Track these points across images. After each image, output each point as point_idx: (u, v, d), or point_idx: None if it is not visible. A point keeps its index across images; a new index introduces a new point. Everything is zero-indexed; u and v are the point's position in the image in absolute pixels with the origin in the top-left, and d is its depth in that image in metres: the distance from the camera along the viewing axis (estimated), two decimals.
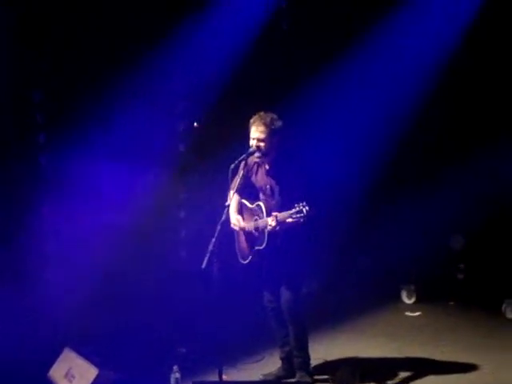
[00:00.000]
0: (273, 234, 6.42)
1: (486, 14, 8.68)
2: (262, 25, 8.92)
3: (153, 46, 8.66)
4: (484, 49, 8.97)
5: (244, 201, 6.83)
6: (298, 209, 6.12)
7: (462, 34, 8.87)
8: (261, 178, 6.71)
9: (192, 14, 8.82)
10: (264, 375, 6.93)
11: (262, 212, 6.56)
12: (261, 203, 6.62)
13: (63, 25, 8.50)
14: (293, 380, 6.81)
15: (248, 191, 6.79)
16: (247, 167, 6.70)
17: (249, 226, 6.70)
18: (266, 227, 6.44)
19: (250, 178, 6.75)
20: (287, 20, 9.09)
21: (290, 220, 6.20)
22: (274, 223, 6.32)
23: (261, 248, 6.55)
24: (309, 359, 6.81)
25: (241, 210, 6.83)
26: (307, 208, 6.08)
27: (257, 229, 6.60)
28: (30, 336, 7.59)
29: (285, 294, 6.61)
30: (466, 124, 9.21)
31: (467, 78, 9.09)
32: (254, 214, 6.68)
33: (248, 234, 6.72)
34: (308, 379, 6.72)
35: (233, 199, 6.67)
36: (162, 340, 7.78)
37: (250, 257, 6.69)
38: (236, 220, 6.76)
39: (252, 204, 6.74)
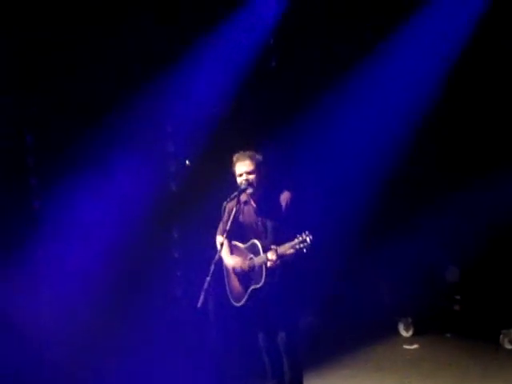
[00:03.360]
0: (270, 270, 6.35)
1: (484, 37, 8.70)
2: (250, 62, 8.97)
3: (142, 88, 8.70)
4: (479, 77, 8.98)
5: (235, 242, 6.72)
6: (301, 239, 6.08)
7: (457, 62, 8.90)
8: (248, 217, 6.65)
9: (181, 54, 8.87)
10: None
11: (258, 250, 6.47)
12: (256, 241, 6.53)
13: (54, 69, 8.53)
14: None
15: (238, 232, 6.68)
16: (229, 212, 6.58)
17: (244, 266, 6.61)
18: (264, 263, 6.35)
19: (237, 218, 6.64)
20: (275, 57, 9.16)
21: (291, 251, 6.14)
22: (274, 257, 6.25)
23: (258, 286, 6.45)
24: None
25: (231, 253, 6.73)
26: (311, 237, 6.04)
27: (253, 268, 6.52)
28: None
29: (281, 333, 6.56)
30: (461, 156, 9.22)
31: (462, 108, 9.11)
32: (248, 252, 6.59)
33: (241, 276, 6.63)
34: None
35: (224, 245, 6.56)
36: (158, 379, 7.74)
37: (245, 298, 6.58)
38: (234, 262, 6.65)
39: (245, 244, 6.65)
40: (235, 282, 6.68)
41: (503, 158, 8.86)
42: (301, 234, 6.09)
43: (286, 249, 6.19)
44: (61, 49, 8.49)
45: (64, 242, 8.54)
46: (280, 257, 6.24)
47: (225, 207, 6.48)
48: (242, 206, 6.64)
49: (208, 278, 6.05)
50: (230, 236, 6.61)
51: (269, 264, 6.32)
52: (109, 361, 8.00)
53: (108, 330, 8.48)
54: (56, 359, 7.97)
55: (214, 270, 6.10)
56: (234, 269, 6.65)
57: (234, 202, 6.53)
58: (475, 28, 8.68)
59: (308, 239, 6.05)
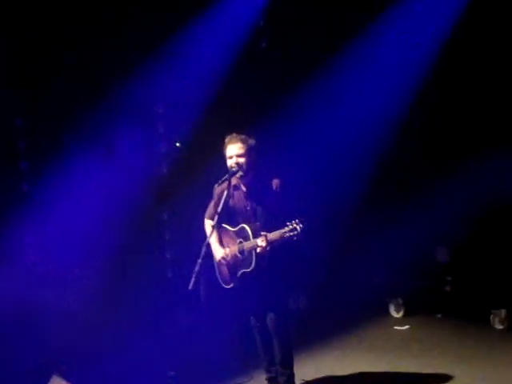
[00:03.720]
0: (260, 255, 6.36)
1: (469, 25, 8.71)
2: (240, 44, 8.95)
3: (134, 68, 8.67)
4: (467, 59, 8.99)
5: (225, 225, 6.71)
6: (291, 227, 6.09)
7: (445, 45, 8.90)
8: (238, 201, 6.64)
9: (172, 36, 8.83)
10: None
11: (248, 234, 6.47)
12: (245, 226, 6.52)
13: (47, 53, 8.49)
14: None
15: (228, 215, 6.66)
16: (219, 196, 6.57)
17: (233, 250, 6.63)
18: (253, 249, 6.37)
19: (228, 202, 6.60)
20: (266, 39, 9.13)
21: (281, 238, 6.16)
22: (264, 243, 6.26)
23: (248, 270, 6.47)
24: (293, 377, 6.75)
25: (221, 235, 6.73)
26: (301, 225, 6.06)
27: (242, 252, 6.52)
28: (18, 361, 7.53)
29: (270, 314, 6.58)
30: (451, 137, 9.24)
31: (449, 93, 9.12)
32: (237, 236, 6.60)
33: (233, 258, 6.64)
34: None
35: (212, 235, 6.53)
36: (150, 363, 7.73)
37: (235, 280, 6.60)
38: (224, 254, 6.65)
39: (234, 227, 6.65)
40: (223, 266, 6.69)
41: (492, 140, 8.88)
42: (291, 222, 6.10)
43: (276, 236, 6.20)
44: (51, 31, 8.45)
45: (54, 224, 8.52)
46: (270, 243, 6.25)
47: (214, 190, 6.46)
48: (232, 190, 6.62)
49: (199, 260, 6.05)
50: (220, 219, 6.53)
51: (258, 250, 6.33)
52: (101, 344, 8.02)
53: (99, 312, 8.48)
54: (48, 345, 7.98)
55: (205, 251, 6.09)
56: (222, 261, 6.64)
57: (224, 185, 6.52)
58: (462, 12, 8.70)
59: (298, 227, 6.07)
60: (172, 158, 9.26)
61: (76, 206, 8.58)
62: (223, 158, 6.57)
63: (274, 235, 6.22)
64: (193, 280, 5.98)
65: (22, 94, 8.50)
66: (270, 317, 6.56)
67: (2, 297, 7.97)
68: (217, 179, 6.46)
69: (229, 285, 6.63)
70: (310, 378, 7.14)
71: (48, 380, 6.72)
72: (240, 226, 6.58)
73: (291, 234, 6.09)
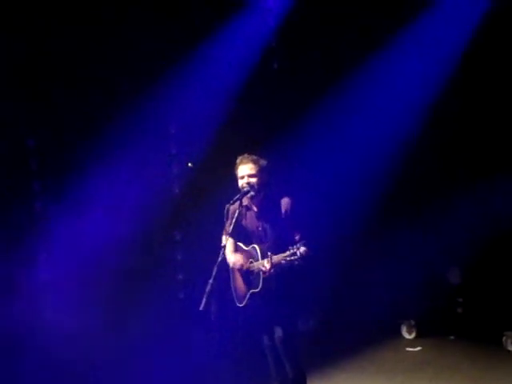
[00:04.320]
0: (267, 276, 6.34)
1: (487, 45, 8.72)
2: (252, 65, 8.97)
3: (146, 90, 8.70)
4: (487, 74, 8.98)
5: (239, 243, 6.74)
6: (291, 251, 6.08)
7: (463, 61, 8.91)
8: (250, 221, 6.66)
9: (184, 57, 8.87)
10: None
11: (257, 255, 6.48)
12: (256, 246, 6.53)
13: (58, 73, 8.53)
14: None
15: (242, 235, 6.70)
16: (232, 216, 6.59)
17: (244, 265, 6.64)
18: (261, 270, 6.38)
19: (240, 222, 6.66)
20: (277, 60, 9.15)
21: (284, 261, 6.15)
22: (268, 265, 6.26)
23: (256, 291, 6.47)
24: None
25: (236, 252, 6.74)
26: (301, 250, 6.04)
27: (252, 272, 6.53)
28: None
29: (278, 334, 6.53)
30: (465, 157, 9.22)
31: (469, 109, 9.11)
32: (249, 256, 6.60)
33: (244, 277, 6.64)
34: None
35: (228, 242, 6.60)
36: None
37: (246, 299, 6.58)
38: (235, 259, 6.67)
39: (247, 246, 6.66)
40: (239, 282, 6.69)
41: (507, 160, 8.86)
42: (293, 246, 6.09)
43: (279, 259, 6.18)
44: (64, 50, 8.50)
45: (65, 244, 8.55)
46: (274, 266, 6.23)
47: (227, 210, 6.45)
48: (245, 210, 6.63)
49: (210, 281, 6.04)
50: (235, 237, 6.65)
51: (262, 271, 6.33)
52: (111, 361, 8.02)
53: (110, 331, 8.49)
54: (56, 356, 8.00)
55: (217, 272, 6.09)
56: (234, 266, 6.66)
57: (236, 205, 6.53)
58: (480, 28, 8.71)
59: (299, 252, 6.04)
60: (184, 179, 9.27)
61: (88, 226, 8.59)
62: (235, 179, 6.58)
63: (277, 258, 6.21)
64: (204, 300, 5.98)
65: (34, 113, 8.53)
66: (278, 337, 6.54)
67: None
68: (229, 200, 6.45)
69: (242, 303, 6.61)
70: None
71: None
72: (252, 245, 6.59)
73: (292, 258, 6.08)
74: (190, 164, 9.28)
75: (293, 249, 6.07)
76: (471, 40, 8.77)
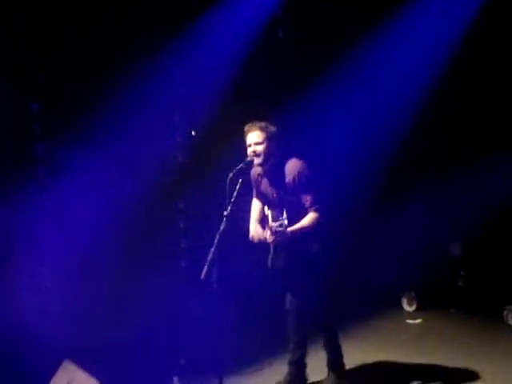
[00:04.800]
0: (276, 244, 6.47)
1: (483, 23, 8.66)
2: (258, 33, 8.91)
3: (150, 56, 8.65)
4: (479, 59, 8.95)
5: (265, 207, 6.76)
6: (279, 222, 6.16)
7: (457, 46, 8.86)
8: (266, 188, 6.72)
9: (189, 24, 8.82)
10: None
11: (268, 221, 6.55)
12: (269, 212, 6.59)
13: (63, 36, 8.48)
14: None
15: (264, 200, 6.79)
16: (254, 180, 6.79)
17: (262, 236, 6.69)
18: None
19: (258, 188, 6.78)
20: (283, 28, 9.09)
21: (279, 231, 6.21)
22: (268, 234, 6.36)
23: (271, 255, 6.63)
24: (341, 356, 6.91)
25: (263, 219, 6.79)
26: (285, 222, 6.11)
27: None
28: (30, 347, 7.55)
29: (290, 299, 6.72)
30: (466, 132, 9.20)
31: (466, 84, 9.07)
32: (266, 221, 6.66)
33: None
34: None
35: (252, 206, 6.81)
36: (162, 352, 7.75)
37: (269, 262, 6.71)
38: (254, 231, 6.75)
39: (267, 211, 6.68)
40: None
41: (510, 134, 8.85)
42: (282, 217, 6.16)
43: (273, 229, 6.23)
44: (70, 13, 8.44)
45: (67, 210, 8.55)
46: (274, 233, 6.26)
47: (232, 178, 6.41)
48: (260, 178, 6.76)
49: (212, 249, 6.05)
50: (261, 201, 6.84)
51: (269, 240, 6.42)
52: (112, 332, 8.05)
53: (111, 296, 8.51)
54: (64, 328, 8.01)
55: (219, 241, 6.09)
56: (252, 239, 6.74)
57: (254, 171, 6.69)
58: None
59: (284, 223, 6.12)
60: (188, 147, 9.24)
61: (91, 192, 8.58)
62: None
63: (272, 227, 6.26)
64: (205, 269, 5.99)
65: (39, 77, 8.50)
66: (290, 302, 6.74)
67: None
68: (232, 169, 6.43)
69: (268, 264, 6.74)
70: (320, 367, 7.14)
71: (59, 365, 6.73)
72: (268, 212, 6.64)
73: (280, 229, 6.15)
74: (193, 132, 9.24)
75: (281, 219, 6.15)
76: (477, 16, 8.71)
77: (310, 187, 6.48)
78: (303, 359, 6.94)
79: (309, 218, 6.45)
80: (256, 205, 6.89)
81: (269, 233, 6.34)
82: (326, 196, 6.57)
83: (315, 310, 6.77)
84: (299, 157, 6.60)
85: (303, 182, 6.48)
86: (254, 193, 6.90)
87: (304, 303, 6.72)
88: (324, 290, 6.73)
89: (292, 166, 6.51)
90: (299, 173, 6.48)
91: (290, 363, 6.97)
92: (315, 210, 6.44)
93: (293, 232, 6.29)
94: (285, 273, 6.72)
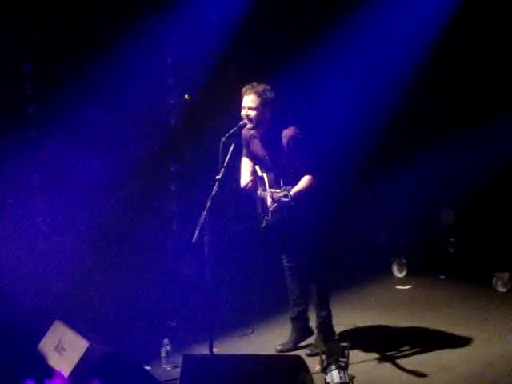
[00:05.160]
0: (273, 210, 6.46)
1: None
2: None
3: (143, 18, 8.59)
4: (472, 32, 8.93)
5: (257, 167, 6.79)
6: (284, 192, 6.14)
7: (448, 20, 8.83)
8: (257, 149, 6.70)
9: None
10: (281, 345, 6.99)
11: (265, 184, 6.57)
12: (264, 174, 6.62)
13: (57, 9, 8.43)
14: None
15: (255, 159, 6.80)
16: (245, 140, 6.75)
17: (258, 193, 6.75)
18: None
19: (250, 149, 6.76)
20: None
21: (281, 200, 6.20)
22: (269, 202, 6.38)
23: (268, 219, 6.57)
24: (330, 319, 6.93)
25: (254, 178, 6.83)
26: (291, 193, 6.10)
27: (264, 200, 6.61)
28: (19, 308, 7.57)
29: (300, 258, 6.78)
30: (456, 99, 9.18)
31: (462, 54, 9.06)
32: (260, 183, 6.70)
33: (259, 201, 6.74)
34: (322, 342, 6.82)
35: (242, 164, 6.81)
36: (152, 313, 7.78)
37: (264, 222, 6.68)
38: (244, 181, 6.80)
39: (261, 173, 6.71)
40: (258, 205, 6.79)
41: (503, 102, 8.82)
42: (286, 187, 6.15)
43: (277, 197, 6.22)
44: None
45: (59, 172, 8.54)
46: (275, 201, 6.28)
47: (225, 141, 6.39)
48: (252, 138, 6.72)
49: (204, 213, 6.05)
50: (250, 158, 6.85)
51: (269, 205, 6.43)
52: (102, 293, 8.08)
53: (102, 259, 8.53)
54: (54, 289, 8.05)
55: (211, 204, 6.09)
56: (245, 188, 6.80)
57: (246, 132, 6.64)
58: None
59: (289, 194, 6.10)
60: (181, 110, 9.20)
61: (84, 154, 8.56)
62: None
63: (276, 195, 6.26)
64: (196, 232, 6.00)
65: (31, 38, 8.45)
66: (301, 261, 6.80)
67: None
68: (225, 132, 6.41)
69: (261, 224, 6.71)
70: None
71: (49, 325, 6.75)
72: (262, 173, 6.66)
73: (285, 199, 6.14)
74: (186, 96, 9.20)
75: (286, 190, 6.12)
76: None
77: (304, 151, 6.47)
78: (305, 314, 7.02)
79: (305, 181, 6.43)
80: (246, 162, 6.87)
81: (269, 200, 6.36)
82: (319, 161, 6.56)
83: (310, 272, 6.81)
84: (293, 122, 6.57)
85: (297, 146, 6.45)
86: (244, 151, 6.85)
87: (300, 263, 6.79)
88: (319, 253, 6.74)
89: (286, 131, 6.49)
90: (293, 137, 6.46)
91: (292, 319, 7.06)
92: (310, 173, 6.43)
93: (293, 199, 6.25)
94: (280, 233, 6.77)
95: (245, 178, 6.84)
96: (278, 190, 6.21)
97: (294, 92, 8.71)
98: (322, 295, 6.87)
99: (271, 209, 6.41)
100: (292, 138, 6.46)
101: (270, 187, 6.49)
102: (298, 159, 6.44)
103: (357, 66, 9.13)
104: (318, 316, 6.91)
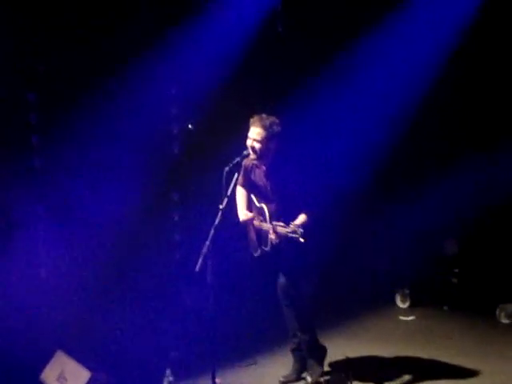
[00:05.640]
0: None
1: (482, 19, 8.67)
2: (257, 28, 8.90)
3: (148, 49, 8.64)
4: (479, 52, 8.96)
5: (253, 196, 6.82)
6: (292, 229, 6.19)
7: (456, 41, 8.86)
8: (259, 180, 6.72)
9: (186, 18, 8.80)
10: (284, 377, 6.99)
11: (265, 215, 6.59)
12: (264, 205, 6.64)
13: (60, 27, 8.47)
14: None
15: (253, 189, 6.82)
16: (245, 168, 6.76)
17: (256, 223, 6.76)
18: (268, 233, 6.51)
19: (250, 178, 6.77)
20: (282, 23, 9.07)
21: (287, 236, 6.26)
22: (273, 236, 6.41)
23: (266, 249, 6.62)
24: (315, 341, 6.91)
25: (250, 206, 6.87)
26: (301, 230, 6.14)
27: (260, 230, 6.66)
28: (22, 338, 7.55)
29: (281, 282, 6.74)
30: (461, 130, 9.20)
31: (465, 82, 9.09)
32: (259, 213, 6.71)
33: (256, 231, 6.76)
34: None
35: (239, 194, 6.80)
36: (155, 344, 7.75)
37: (259, 251, 6.74)
38: (244, 215, 6.80)
39: (259, 203, 6.74)
40: (252, 234, 6.83)
41: (506, 132, 8.84)
42: (295, 225, 6.20)
43: (283, 232, 6.29)
44: (68, 6, 8.43)
45: (60, 201, 8.55)
46: (279, 237, 6.35)
47: (228, 171, 6.41)
48: (254, 168, 6.75)
49: (207, 242, 6.06)
50: (247, 189, 6.86)
51: (270, 238, 6.48)
52: (108, 321, 8.06)
53: (104, 287, 8.51)
54: (57, 318, 8.04)
55: (214, 234, 6.10)
56: (243, 222, 6.81)
57: (248, 162, 6.66)
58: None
59: (299, 231, 6.14)
60: (185, 140, 9.23)
61: (85, 183, 8.58)
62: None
63: (281, 230, 6.31)
64: (200, 261, 6.00)
65: (36, 67, 8.49)
66: (281, 284, 6.75)
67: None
68: (228, 162, 6.43)
69: (256, 253, 6.77)
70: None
71: (51, 355, 6.74)
72: (261, 204, 6.69)
73: (293, 235, 6.18)
74: (190, 125, 9.22)
75: (295, 227, 6.16)
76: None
77: (303, 190, 6.51)
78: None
79: (302, 219, 6.44)
80: (242, 192, 6.88)
81: (272, 232, 6.39)
82: (317, 198, 6.59)
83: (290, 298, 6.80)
84: (294, 158, 6.61)
85: (297, 185, 6.51)
86: (241, 180, 6.82)
87: (292, 282, 6.75)
88: (301, 279, 6.77)
89: (288, 169, 6.53)
90: (293, 177, 6.52)
91: (292, 350, 7.05)
92: (307, 212, 6.44)
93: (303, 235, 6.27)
94: (274, 263, 6.76)
95: (244, 211, 6.84)
96: (282, 224, 6.27)
97: (296, 124, 8.75)
98: (301, 319, 6.83)
99: (274, 242, 6.42)
100: (293, 178, 6.50)
101: (270, 219, 6.51)
102: (297, 196, 6.47)
103: (357, 98, 9.17)
104: (302, 340, 6.88)
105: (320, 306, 8.82)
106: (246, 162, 6.70)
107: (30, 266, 8.46)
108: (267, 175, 6.65)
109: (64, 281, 8.43)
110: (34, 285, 8.41)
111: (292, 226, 6.18)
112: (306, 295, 6.82)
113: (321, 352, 6.95)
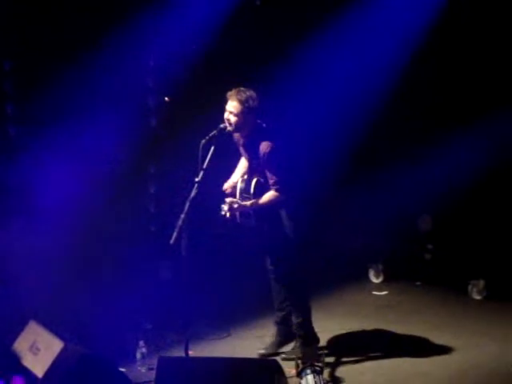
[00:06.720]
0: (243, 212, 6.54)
1: None
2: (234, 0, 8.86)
3: (123, 20, 8.57)
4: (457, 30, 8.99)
5: (243, 170, 6.88)
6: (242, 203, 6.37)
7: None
8: (244, 153, 6.78)
9: None
10: (264, 349, 6.97)
11: (236, 189, 6.64)
12: (240, 179, 6.69)
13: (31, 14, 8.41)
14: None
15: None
16: (236, 142, 6.78)
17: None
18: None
19: (239, 151, 6.84)
20: None
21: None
22: (226, 207, 6.42)
23: (223, 207, 6.55)
24: (307, 324, 6.88)
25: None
26: (225, 208, 6.31)
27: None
28: None
29: (271, 261, 6.79)
30: (439, 105, 9.22)
31: (447, 59, 9.12)
32: (233, 187, 6.75)
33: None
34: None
35: (240, 162, 6.88)
36: (128, 315, 7.75)
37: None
38: (227, 184, 6.81)
39: (242, 177, 6.76)
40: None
41: (479, 109, 8.88)
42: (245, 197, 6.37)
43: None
44: None
45: (38, 174, 8.51)
46: (230, 209, 6.37)
47: (204, 144, 6.40)
48: (239, 141, 6.76)
49: (182, 215, 6.06)
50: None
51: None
52: (82, 292, 8.04)
53: (78, 258, 8.48)
54: (30, 290, 8.00)
55: (189, 207, 6.10)
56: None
57: (235, 136, 6.65)
58: None
59: (224, 208, 6.31)
60: (161, 113, 9.19)
61: (63, 155, 8.53)
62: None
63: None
64: (175, 234, 6.00)
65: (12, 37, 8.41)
66: (271, 264, 6.80)
67: None
68: (205, 135, 6.42)
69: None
70: None
71: (24, 326, 6.71)
72: (243, 177, 6.72)
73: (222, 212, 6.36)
74: (166, 98, 9.19)
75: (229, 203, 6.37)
76: None
77: (276, 168, 6.50)
78: (289, 319, 6.93)
79: (268, 196, 6.50)
80: (239, 163, 6.94)
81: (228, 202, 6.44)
82: (292, 176, 6.59)
83: (283, 278, 6.81)
84: (271, 134, 6.58)
85: (270, 162, 6.48)
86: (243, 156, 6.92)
87: (281, 262, 6.76)
88: (293, 259, 6.75)
89: (263, 145, 6.50)
90: (268, 153, 6.47)
91: (275, 323, 7.02)
92: (276, 190, 6.47)
93: (252, 204, 6.41)
94: (255, 237, 6.84)
95: (232, 180, 6.86)
96: (235, 200, 6.39)
97: (274, 97, 8.72)
98: (295, 301, 6.84)
99: (226, 216, 6.46)
100: (267, 154, 6.48)
101: (240, 193, 6.57)
102: (268, 174, 6.50)
103: (333, 70, 9.14)
104: (294, 322, 6.89)
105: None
106: (234, 135, 6.70)
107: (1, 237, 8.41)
108: (246, 150, 6.67)
109: (38, 251, 8.38)
110: (6, 257, 8.36)
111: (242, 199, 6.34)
112: (299, 271, 6.82)
113: (311, 340, 6.90)
